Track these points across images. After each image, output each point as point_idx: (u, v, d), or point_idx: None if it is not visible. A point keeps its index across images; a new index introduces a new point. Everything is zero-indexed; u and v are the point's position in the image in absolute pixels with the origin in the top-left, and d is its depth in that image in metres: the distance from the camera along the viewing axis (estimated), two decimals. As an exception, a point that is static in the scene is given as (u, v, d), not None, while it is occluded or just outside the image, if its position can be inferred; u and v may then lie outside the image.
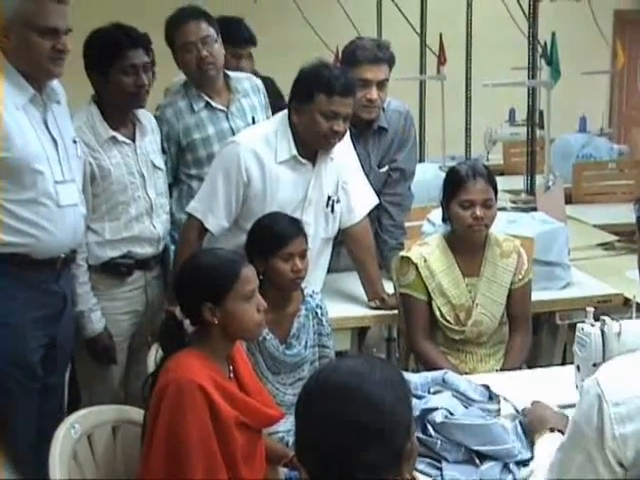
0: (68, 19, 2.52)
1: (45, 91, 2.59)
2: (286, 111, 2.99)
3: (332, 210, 3.06)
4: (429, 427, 2.16)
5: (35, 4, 2.46)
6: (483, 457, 2.12)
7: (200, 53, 3.27)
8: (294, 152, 2.95)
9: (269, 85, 3.83)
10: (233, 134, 3.29)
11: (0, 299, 2.52)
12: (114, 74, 2.85)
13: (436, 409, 2.19)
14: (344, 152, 3.10)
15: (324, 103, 2.83)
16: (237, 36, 3.75)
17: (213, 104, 3.38)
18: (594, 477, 1.53)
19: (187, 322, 2.16)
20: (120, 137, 2.92)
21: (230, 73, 3.47)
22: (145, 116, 3.06)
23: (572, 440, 1.60)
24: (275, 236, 2.68)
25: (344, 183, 3.10)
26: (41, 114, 2.58)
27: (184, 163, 3.40)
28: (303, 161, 2.97)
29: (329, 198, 3.04)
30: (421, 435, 2.14)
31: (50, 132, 2.59)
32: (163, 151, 3.28)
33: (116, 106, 2.91)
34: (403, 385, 1.50)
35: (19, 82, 2.51)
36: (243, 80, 3.49)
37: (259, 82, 3.56)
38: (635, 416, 1.50)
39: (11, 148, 2.45)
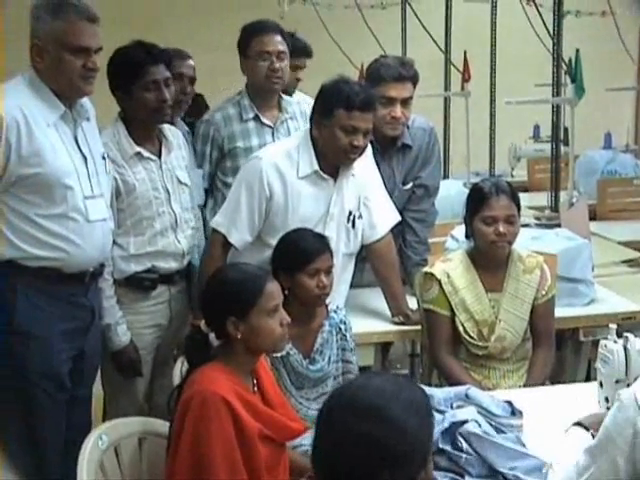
0: (99, 38, 2.58)
1: (75, 108, 2.65)
2: (308, 127, 3.02)
3: (353, 225, 3.08)
4: (460, 439, 2.16)
5: (67, 24, 2.52)
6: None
7: (273, 64, 3.39)
8: (316, 167, 2.97)
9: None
10: None
11: (30, 312, 2.56)
12: (136, 91, 2.90)
13: (466, 421, 2.20)
14: (366, 169, 3.12)
15: (344, 118, 2.86)
16: (292, 48, 3.85)
17: (262, 119, 3.47)
18: None
19: (212, 335, 2.19)
20: (145, 153, 2.97)
21: (283, 95, 3.57)
22: (172, 132, 3.10)
23: (601, 446, 1.62)
24: (301, 252, 2.69)
25: (366, 199, 3.12)
26: (71, 131, 2.63)
27: (222, 170, 3.48)
28: (325, 176, 2.99)
29: (350, 213, 3.06)
30: (448, 448, 2.15)
31: (80, 148, 2.64)
32: (202, 159, 3.42)
33: (141, 122, 2.97)
34: (427, 410, 1.50)
35: (51, 99, 2.56)
36: (294, 104, 3.59)
37: (308, 109, 3.58)
38: None
39: (42, 164, 2.50)
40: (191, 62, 3.41)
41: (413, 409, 1.45)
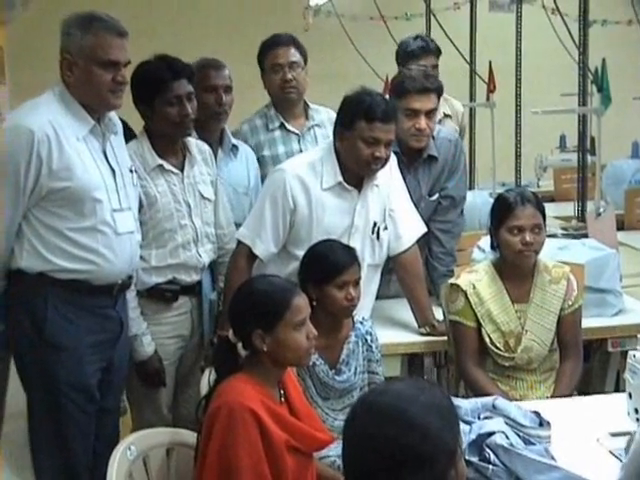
0: (127, 52, 2.62)
1: (104, 122, 2.68)
2: (332, 138, 3.04)
3: (378, 237, 3.08)
4: (488, 451, 2.15)
5: (97, 39, 2.56)
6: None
7: (285, 75, 3.48)
8: (339, 178, 2.99)
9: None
10: None
11: (60, 324, 2.60)
12: (159, 106, 2.94)
13: (493, 433, 2.19)
14: (390, 180, 3.13)
15: (365, 129, 2.87)
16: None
17: (287, 126, 3.55)
18: None
19: (240, 345, 2.20)
20: (167, 166, 3.00)
21: (311, 104, 3.63)
22: (198, 147, 3.12)
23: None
24: (330, 264, 2.70)
25: (391, 211, 3.13)
26: (100, 144, 2.66)
27: None
28: (348, 187, 3.00)
29: (375, 224, 3.07)
30: (475, 459, 2.14)
31: (108, 161, 2.68)
32: None
33: (164, 136, 3.00)
34: (450, 411, 1.50)
35: (80, 114, 2.61)
36: (322, 112, 3.65)
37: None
38: None
39: (72, 178, 2.54)
40: (226, 72, 3.43)
41: (434, 410, 1.46)
